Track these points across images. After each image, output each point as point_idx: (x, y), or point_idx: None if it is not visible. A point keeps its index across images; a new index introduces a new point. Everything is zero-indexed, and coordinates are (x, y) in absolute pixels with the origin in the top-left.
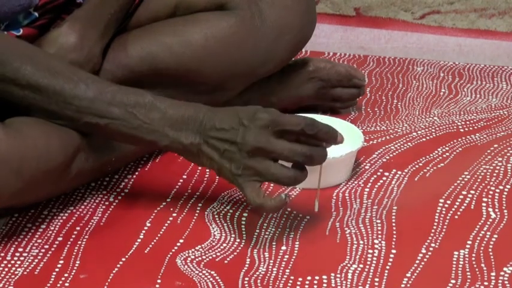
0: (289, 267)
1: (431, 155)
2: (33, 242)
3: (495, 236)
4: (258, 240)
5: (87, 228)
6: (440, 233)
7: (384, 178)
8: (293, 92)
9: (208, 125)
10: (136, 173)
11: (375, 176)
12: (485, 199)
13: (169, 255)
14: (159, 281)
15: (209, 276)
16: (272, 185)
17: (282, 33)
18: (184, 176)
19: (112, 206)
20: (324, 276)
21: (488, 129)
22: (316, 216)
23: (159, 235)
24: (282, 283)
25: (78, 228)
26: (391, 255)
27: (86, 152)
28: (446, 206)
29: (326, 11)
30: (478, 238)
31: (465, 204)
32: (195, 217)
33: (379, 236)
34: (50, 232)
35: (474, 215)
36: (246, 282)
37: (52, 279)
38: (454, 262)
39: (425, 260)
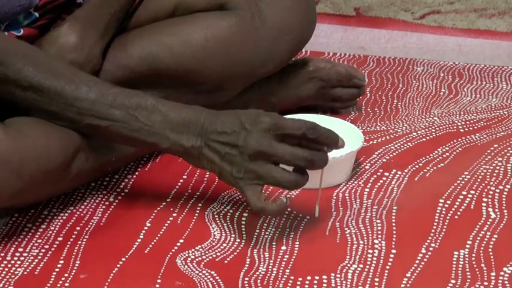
0: (289, 267)
1: (431, 155)
2: (33, 242)
3: (495, 236)
4: (258, 240)
5: (87, 228)
6: (440, 233)
7: (384, 178)
8: (293, 92)
9: (209, 128)
10: (137, 173)
11: (375, 176)
12: (485, 199)
13: (169, 255)
14: (159, 281)
15: (209, 276)
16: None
17: (282, 33)
18: (184, 176)
19: (112, 206)
20: (324, 276)
21: (488, 129)
22: (319, 212)
23: (159, 235)
24: (282, 283)
25: (78, 228)
26: (391, 255)
27: (86, 152)
28: (446, 206)
29: (326, 11)
30: (478, 238)
31: (465, 204)
32: (195, 217)
33: (379, 236)
34: (50, 232)
35: (474, 215)
36: (246, 282)
37: (52, 279)
38: (454, 262)
39: (425, 260)
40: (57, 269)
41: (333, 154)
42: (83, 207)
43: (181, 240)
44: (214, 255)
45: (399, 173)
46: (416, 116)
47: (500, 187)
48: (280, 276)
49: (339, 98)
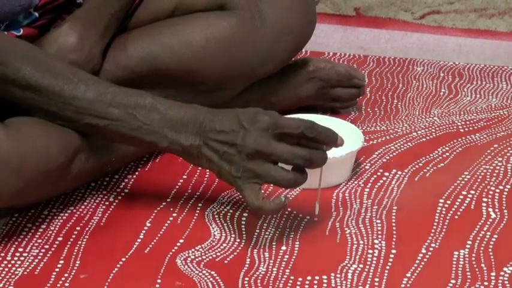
0: (289, 267)
1: (431, 155)
2: (33, 242)
3: (495, 236)
4: (258, 240)
5: (87, 228)
6: (440, 233)
7: (384, 178)
8: (293, 92)
9: (208, 127)
10: (137, 173)
11: (375, 176)
12: (485, 199)
13: (169, 255)
14: (159, 281)
15: (209, 276)
16: (272, 185)
17: (282, 33)
18: (184, 176)
19: (112, 206)
20: (324, 276)
21: (488, 129)
22: (318, 210)
23: (159, 235)
24: (282, 283)
25: (78, 228)
26: (391, 255)
27: (86, 152)
28: (446, 206)
29: (326, 11)
30: (478, 238)
31: (465, 204)
32: (195, 217)
33: (379, 236)
34: (50, 232)
35: (474, 215)
36: (246, 282)
37: (52, 279)
38: (454, 262)
39: (425, 260)
40: (57, 269)
41: (333, 154)
42: (83, 207)
43: (181, 240)
44: (214, 255)
45: (399, 173)
46: (416, 116)
47: (500, 187)
48: (280, 276)
49: (338, 98)
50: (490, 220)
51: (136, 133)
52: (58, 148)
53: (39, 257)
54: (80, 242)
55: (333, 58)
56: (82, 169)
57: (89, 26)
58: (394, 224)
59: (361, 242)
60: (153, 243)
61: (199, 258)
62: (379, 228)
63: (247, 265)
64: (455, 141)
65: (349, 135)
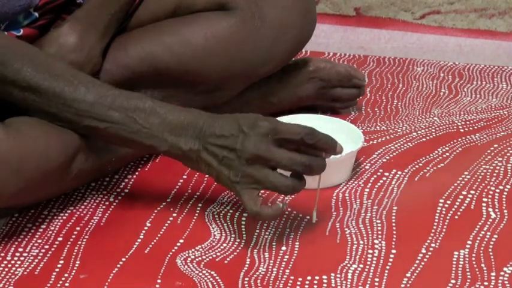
0: (289, 267)
1: (431, 155)
2: (33, 242)
3: (495, 236)
4: (258, 240)
5: (87, 228)
6: (440, 233)
7: (384, 178)
8: (293, 91)
9: (208, 131)
10: (137, 173)
11: (375, 176)
12: (485, 199)
13: (169, 255)
14: (159, 281)
15: (209, 276)
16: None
17: (282, 33)
18: (184, 176)
19: (112, 206)
20: (324, 276)
21: (488, 129)
22: (316, 217)
23: (159, 235)
24: (282, 283)
25: (78, 228)
26: (391, 255)
27: (86, 152)
28: (446, 206)
29: (326, 11)
30: (478, 238)
31: (465, 204)
32: (195, 217)
33: (379, 236)
34: (50, 232)
35: (474, 215)
36: (246, 282)
37: (52, 279)
38: (454, 262)
39: (425, 260)
40: (57, 269)
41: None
42: (83, 207)
43: (181, 240)
44: (214, 255)
45: (399, 173)
46: (416, 116)
47: (500, 187)
48: (280, 277)
49: (339, 98)
50: (490, 220)
51: (135, 136)
52: (58, 148)
53: (39, 257)
54: (79, 242)
55: (333, 58)
56: (82, 169)
57: (89, 26)
58: (394, 224)
59: (361, 242)
60: (153, 243)
61: (199, 258)
62: (379, 228)
63: (247, 265)
64: (455, 141)
65: (349, 135)
